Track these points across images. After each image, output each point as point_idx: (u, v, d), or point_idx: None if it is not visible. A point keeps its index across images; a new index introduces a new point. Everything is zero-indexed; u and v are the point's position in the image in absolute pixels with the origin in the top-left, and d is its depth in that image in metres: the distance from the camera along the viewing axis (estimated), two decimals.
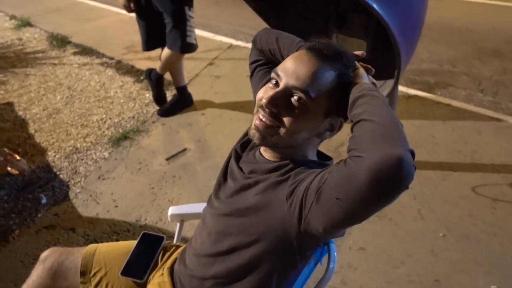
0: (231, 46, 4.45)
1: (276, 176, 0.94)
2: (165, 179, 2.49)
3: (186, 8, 2.71)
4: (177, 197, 2.34)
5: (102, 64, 4.17)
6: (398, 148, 0.68)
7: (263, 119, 0.93)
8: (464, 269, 1.82)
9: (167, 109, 3.18)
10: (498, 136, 2.71)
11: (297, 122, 0.90)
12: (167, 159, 2.66)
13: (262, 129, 0.93)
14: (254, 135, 0.95)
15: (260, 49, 1.21)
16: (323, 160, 1.04)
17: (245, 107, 3.18)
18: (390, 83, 1.91)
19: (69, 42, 4.77)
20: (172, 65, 3.03)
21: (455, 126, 2.85)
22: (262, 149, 1.05)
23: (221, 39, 4.66)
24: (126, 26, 5.36)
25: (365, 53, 0.98)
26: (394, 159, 0.66)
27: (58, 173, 2.58)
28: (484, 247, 1.93)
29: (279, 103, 0.91)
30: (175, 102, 3.21)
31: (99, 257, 1.24)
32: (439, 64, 3.99)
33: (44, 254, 1.24)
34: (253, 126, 0.95)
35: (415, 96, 3.25)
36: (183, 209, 1.42)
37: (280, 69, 0.93)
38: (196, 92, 3.35)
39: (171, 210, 1.41)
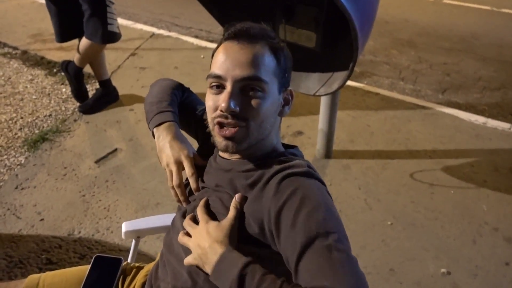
0: (153, 35, 4.18)
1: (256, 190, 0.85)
2: (97, 185, 2.24)
3: None
4: (113, 204, 2.11)
5: (4, 55, 3.66)
6: None
7: (229, 127, 0.85)
8: (414, 256, 1.88)
9: (90, 106, 2.87)
10: (425, 123, 2.86)
11: (262, 111, 0.85)
12: (97, 162, 2.40)
13: (234, 136, 0.85)
14: (227, 145, 0.86)
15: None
16: (287, 148, 0.99)
17: None
18: (338, 75, 1.89)
19: None
20: (92, 57, 2.73)
21: (386, 115, 2.95)
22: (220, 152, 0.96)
23: (142, 28, 4.36)
24: (29, 11, 4.80)
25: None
26: None
27: None
28: (428, 232, 2.01)
29: (238, 102, 0.83)
30: (98, 98, 2.91)
31: None
32: (361, 55, 4.13)
33: None
34: (220, 139, 0.86)
35: (348, 86, 3.31)
36: (139, 224, 1.24)
37: (216, 69, 0.85)
38: (121, 86, 3.08)
39: (126, 226, 1.23)
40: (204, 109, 1.12)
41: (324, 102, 2.31)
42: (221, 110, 0.83)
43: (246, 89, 0.84)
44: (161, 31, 4.30)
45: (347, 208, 2.13)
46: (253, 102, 0.84)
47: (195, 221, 0.89)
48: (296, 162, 0.86)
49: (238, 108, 0.83)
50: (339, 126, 2.58)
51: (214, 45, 0.87)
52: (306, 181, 0.80)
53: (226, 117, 0.84)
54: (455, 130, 2.78)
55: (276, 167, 0.84)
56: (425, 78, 3.68)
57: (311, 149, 2.52)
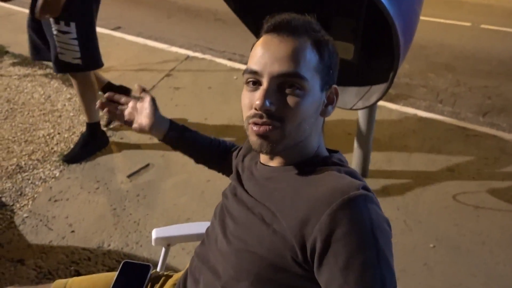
0: (188, 57, 4.25)
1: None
2: (128, 199, 2.22)
3: (52, 20, 2.20)
4: (143, 218, 2.08)
5: (46, 75, 3.79)
6: None
7: (264, 125, 0.77)
8: (461, 282, 1.74)
9: (76, 153, 2.56)
10: (467, 145, 2.72)
11: (301, 111, 0.78)
12: (129, 176, 2.39)
13: (268, 134, 0.77)
14: (262, 144, 0.79)
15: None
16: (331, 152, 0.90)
17: (209, 119, 2.99)
18: (376, 88, 1.82)
19: (7, 52, 4.33)
20: (84, 95, 2.49)
21: (425, 136, 2.84)
22: (262, 157, 0.89)
23: (177, 51, 4.45)
24: None
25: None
26: None
27: None
28: (476, 257, 1.86)
29: (274, 100, 0.77)
30: (85, 144, 2.59)
31: None
32: (396, 77, 4.04)
33: None
34: (254, 138, 0.79)
35: (383, 107, 3.22)
36: (170, 231, 1.20)
37: (253, 64, 0.78)
38: None
39: (156, 233, 1.19)
40: (237, 147, 1.10)
41: (360, 120, 2.24)
42: (255, 109, 0.77)
43: (284, 86, 0.77)
44: (196, 54, 4.37)
45: None
46: (291, 100, 0.77)
47: None
48: (350, 182, 0.74)
49: (274, 107, 0.76)
50: (375, 146, 2.49)
51: None
52: (365, 214, 0.69)
53: (261, 116, 0.77)
54: (500, 152, 2.63)
55: (328, 185, 0.74)
56: (464, 101, 3.55)
57: None
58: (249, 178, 0.91)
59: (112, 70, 3.90)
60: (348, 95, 1.93)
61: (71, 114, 3.10)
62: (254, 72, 0.78)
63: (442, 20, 5.82)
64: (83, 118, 3.01)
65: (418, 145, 2.72)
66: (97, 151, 2.62)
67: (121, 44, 4.72)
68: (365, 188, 0.73)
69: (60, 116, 3.07)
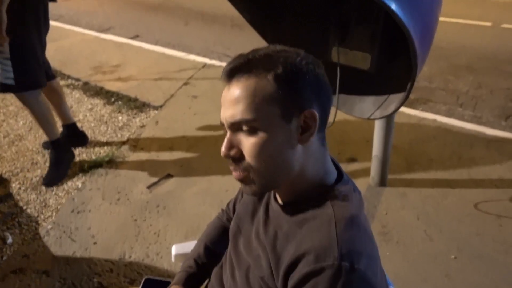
0: (205, 65, 4.29)
1: None
2: (149, 209, 2.26)
3: None
4: (163, 229, 2.11)
5: (68, 86, 3.88)
6: None
7: (235, 171, 0.79)
8: None
9: (53, 175, 2.53)
10: (490, 150, 2.67)
11: (258, 151, 0.75)
12: (149, 187, 2.43)
13: (242, 179, 0.78)
14: (244, 189, 0.80)
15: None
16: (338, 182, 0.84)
17: None
18: (394, 97, 1.81)
19: None
20: (28, 112, 2.45)
21: (446, 142, 2.79)
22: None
23: (195, 58, 4.50)
24: (92, 45, 5.12)
25: None
26: None
27: (24, 207, 2.29)
28: (500, 267, 1.83)
29: (236, 145, 0.77)
30: (57, 162, 2.56)
31: None
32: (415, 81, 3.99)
33: None
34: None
35: (401, 113, 3.19)
36: (190, 247, 1.21)
37: (220, 114, 0.80)
38: (174, 113, 3.16)
39: (176, 249, 1.21)
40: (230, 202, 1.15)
41: (378, 127, 2.22)
42: (221, 153, 0.78)
43: (238, 130, 0.76)
44: (213, 61, 4.40)
45: (405, 238, 1.99)
46: (246, 142, 0.75)
47: None
48: (330, 247, 0.68)
49: (235, 153, 0.76)
50: (394, 153, 2.46)
51: None
52: None
53: (231, 163, 0.78)
54: None
55: (310, 242, 0.71)
56: (485, 104, 3.48)
57: (365, 177, 2.42)
58: (261, 217, 0.91)
59: (131, 79, 3.97)
60: (366, 105, 1.92)
61: (92, 124, 3.17)
62: (221, 122, 0.80)
63: (461, 21, 5.71)
64: (104, 128, 3.08)
65: (438, 151, 2.68)
66: (69, 166, 2.59)
67: (140, 52, 4.80)
68: (349, 256, 0.67)
69: (81, 127, 3.13)
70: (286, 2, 1.94)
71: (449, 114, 3.28)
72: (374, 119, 1.90)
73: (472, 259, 1.88)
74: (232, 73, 0.76)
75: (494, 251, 1.91)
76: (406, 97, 1.61)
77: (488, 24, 5.58)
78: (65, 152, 2.65)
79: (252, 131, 0.74)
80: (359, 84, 1.95)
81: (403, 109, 3.25)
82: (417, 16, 1.38)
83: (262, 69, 0.74)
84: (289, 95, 0.74)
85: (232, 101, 0.75)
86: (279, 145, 0.75)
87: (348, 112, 1.98)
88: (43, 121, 2.46)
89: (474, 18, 5.78)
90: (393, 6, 1.28)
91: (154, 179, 2.48)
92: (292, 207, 0.82)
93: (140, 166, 2.65)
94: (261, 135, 0.74)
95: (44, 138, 2.78)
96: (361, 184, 2.38)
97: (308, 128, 0.77)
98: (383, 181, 2.35)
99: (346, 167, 2.54)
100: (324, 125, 0.80)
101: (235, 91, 0.75)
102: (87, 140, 2.86)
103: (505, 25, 5.51)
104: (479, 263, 1.85)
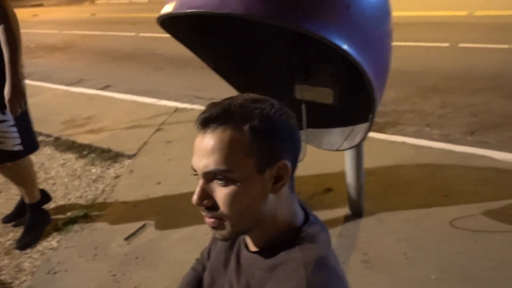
0: (177, 109, 4.32)
1: None
2: (127, 262, 2.20)
3: None
4: (144, 281, 2.06)
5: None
6: None
7: (207, 218, 0.80)
8: None
9: (27, 238, 2.44)
10: (460, 166, 2.74)
11: (231, 202, 0.76)
12: (126, 239, 2.38)
13: (214, 226, 0.79)
14: (215, 235, 0.81)
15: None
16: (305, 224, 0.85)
17: None
18: (360, 128, 1.86)
19: None
20: (17, 176, 2.44)
21: (417, 162, 2.86)
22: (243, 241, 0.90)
23: (166, 103, 4.54)
24: (63, 99, 5.13)
25: None
26: None
27: None
28: (482, 283, 1.84)
29: (206, 194, 0.77)
30: (34, 226, 2.49)
31: None
32: (382, 105, 4.10)
33: None
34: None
35: (371, 138, 3.25)
36: None
37: (192, 161, 0.80)
38: (148, 161, 3.15)
39: None
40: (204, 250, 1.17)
41: (348, 156, 2.26)
42: (193, 200, 0.78)
43: (212, 180, 0.77)
44: (185, 105, 4.44)
45: (386, 264, 2.00)
46: (220, 192, 0.76)
47: None
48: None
49: (208, 202, 0.77)
50: (368, 179, 2.50)
51: None
52: None
53: (204, 210, 0.79)
54: (493, 170, 2.65)
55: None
56: (452, 122, 3.59)
57: (342, 207, 2.43)
58: (233, 266, 0.91)
59: (103, 130, 3.96)
60: (334, 137, 1.97)
61: (65, 180, 3.12)
62: (193, 168, 0.80)
63: (423, 44, 5.97)
64: (77, 183, 3.04)
65: (411, 172, 2.74)
66: (44, 228, 2.52)
67: (111, 102, 4.81)
68: None
69: (54, 184, 3.09)
70: (248, 48, 2.01)
71: (418, 135, 3.37)
72: (343, 149, 1.94)
73: (454, 277, 1.89)
74: (207, 122, 0.76)
75: (475, 268, 1.92)
76: (369, 127, 1.67)
77: (447, 44, 5.84)
78: (43, 215, 2.57)
79: (226, 182, 0.75)
80: (326, 117, 2.01)
81: (372, 134, 3.33)
82: (370, 52, 1.45)
83: (238, 120, 0.75)
84: (264, 147, 0.76)
85: (207, 151, 0.75)
86: (253, 196, 0.77)
87: (317, 146, 2.02)
88: (29, 182, 2.43)
89: (434, 40, 6.04)
90: (345, 47, 1.34)
91: (132, 230, 2.44)
92: (262, 253, 0.83)
93: (116, 218, 2.60)
94: (235, 186, 0.75)
95: (5, 207, 2.71)
96: (339, 213, 2.40)
97: (280, 178, 0.79)
98: (360, 209, 2.37)
99: (323, 198, 2.56)
100: (294, 172, 0.82)
101: (210, 141, 0.75)
102: (50, 199, 2.73)
103: (461, 44, 5.77)
104: (459, 282, 1.86)
